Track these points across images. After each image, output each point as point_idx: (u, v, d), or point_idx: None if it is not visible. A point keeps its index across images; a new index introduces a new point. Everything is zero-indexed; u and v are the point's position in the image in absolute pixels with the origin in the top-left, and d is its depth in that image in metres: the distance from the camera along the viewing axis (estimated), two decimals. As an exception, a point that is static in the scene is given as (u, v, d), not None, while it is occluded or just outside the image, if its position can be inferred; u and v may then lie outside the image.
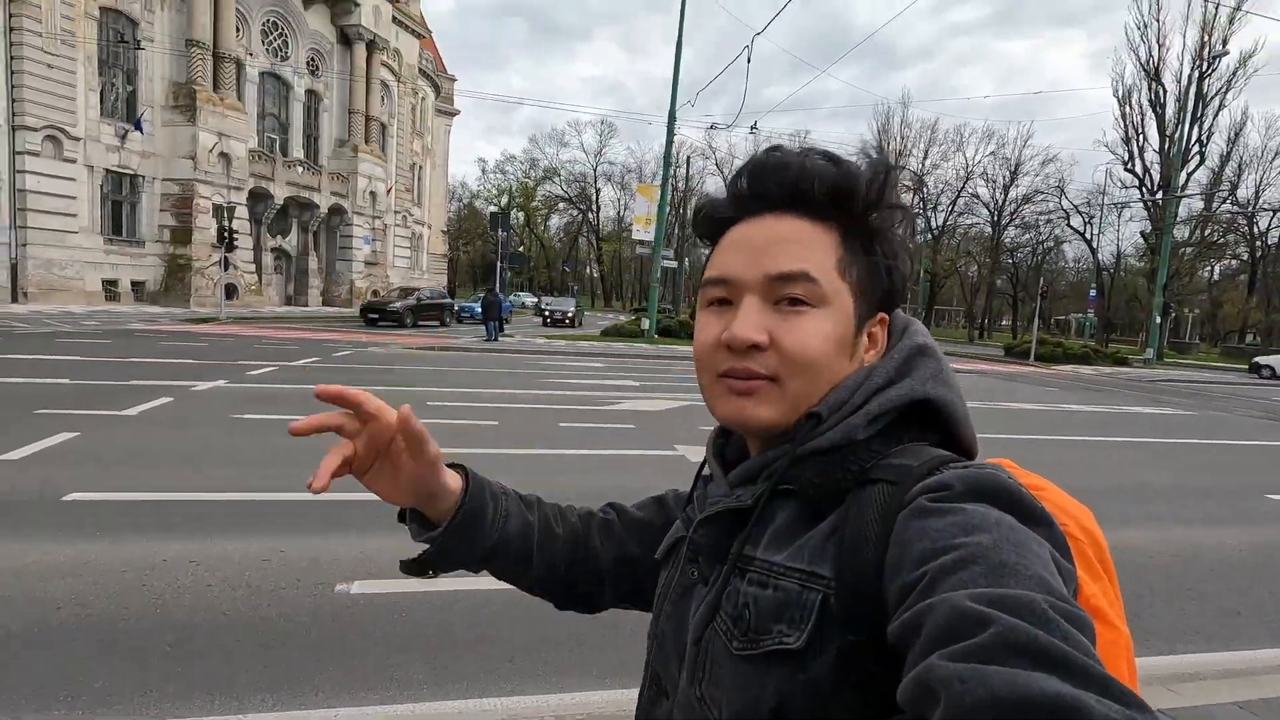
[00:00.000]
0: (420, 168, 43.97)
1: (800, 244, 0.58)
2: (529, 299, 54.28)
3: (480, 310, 22.66)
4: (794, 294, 0.57)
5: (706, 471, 0.72)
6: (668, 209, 26.36)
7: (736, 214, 0.62)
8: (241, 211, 26.69)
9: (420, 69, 41.08)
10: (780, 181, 0.59)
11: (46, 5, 21.23)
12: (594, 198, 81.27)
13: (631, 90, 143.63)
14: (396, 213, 38.27)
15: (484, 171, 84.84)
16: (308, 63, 31.47)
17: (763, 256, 0.58)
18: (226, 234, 21.70)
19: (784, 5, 16.46)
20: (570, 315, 30.18)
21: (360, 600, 3.46)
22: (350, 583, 3.61)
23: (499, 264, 25.89)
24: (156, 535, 4.09)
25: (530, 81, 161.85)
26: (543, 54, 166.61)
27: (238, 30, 27.10)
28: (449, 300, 29.16)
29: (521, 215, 78.72)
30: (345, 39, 32.74)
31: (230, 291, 24.91)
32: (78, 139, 22.59)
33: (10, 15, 20.71)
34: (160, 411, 7.55)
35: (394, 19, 35.31)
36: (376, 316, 23.68)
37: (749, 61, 17.19)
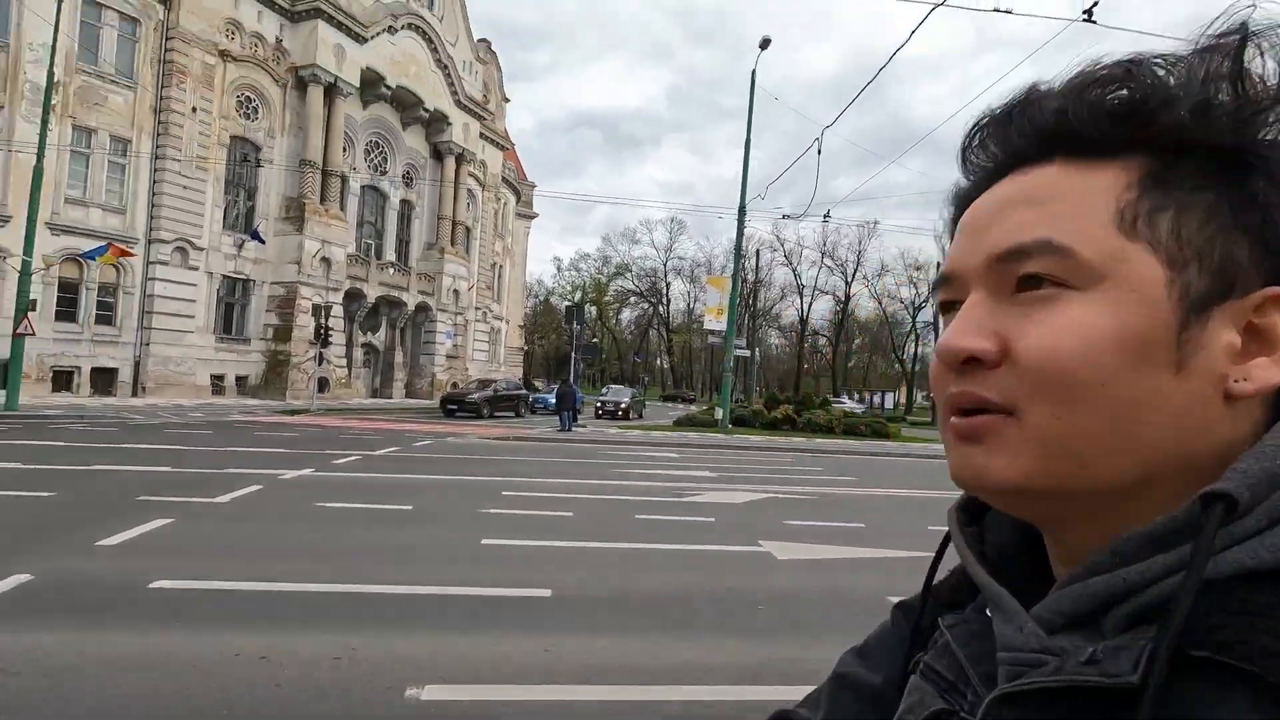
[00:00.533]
0: (500, 267, 46.38)
1: (1041, 202, 0.36)
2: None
3: (554, 401, 22.96)
4: (1032, 271, 0.35)
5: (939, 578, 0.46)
6: (738, 299, 26.50)
7: (975, 186, 0.41)
8: (337, 310, 28.62)
9: (503, 177, 44.16)
10: (1028, 122, 0.38)
11: (187, 135, 24.23)
12: (664, 291, 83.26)
13: (700, 190, 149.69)
14: (477, 309, 40.15)
15: (559, 269, 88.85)
16: (403, 175, 34.38)
17: (985, 233, 0.38)
18: (323, 331, 23.19)
19: (854, 98, 16.89)
20: (624, 406, 27.94)
21: (431, 709, 3.22)
22: (421, 687, 3.37)
23: (573, 356, 26.42)
24: (232, 627, 4.01)
25: (604, 185, 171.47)
26: (616, 161, 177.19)
27: (345, 149, 30.05)
28: (524, 392, 29.80)
29: (594, 309, 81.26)
30: (437, 153, 35.72)
31: (322, 384, 26.33)
32: (201, 249, 25.09)
33: (157, 145, 23.72)
34: (250, 499, 7.74)
35: (481, 134, 38.41)
36: (455, 408, 24.34)
37: (819, 153, 17.52)
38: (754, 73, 22.74)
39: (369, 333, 32.68)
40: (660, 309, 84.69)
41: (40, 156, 16.59)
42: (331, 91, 28.53)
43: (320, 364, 24.58)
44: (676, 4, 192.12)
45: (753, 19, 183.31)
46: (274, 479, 9.05)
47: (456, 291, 35.92)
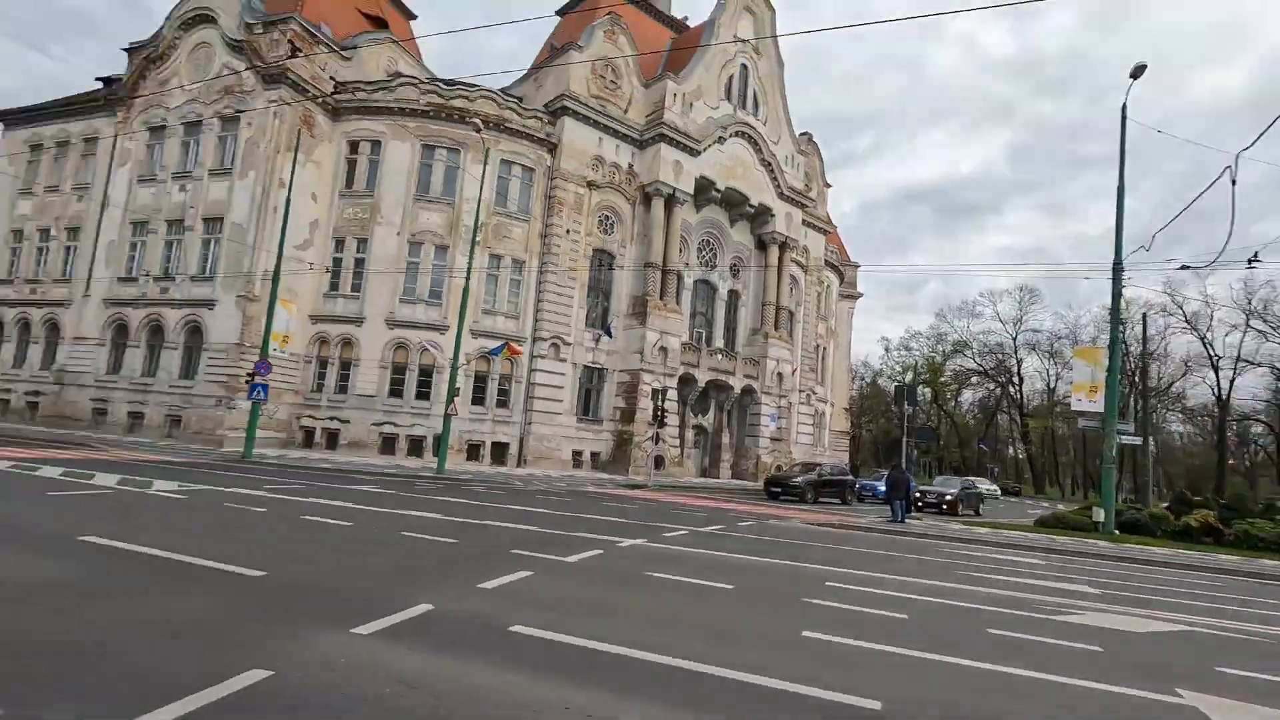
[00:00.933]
0: (824, 349, 45.92)
1: None
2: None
3: (885, 489, 21.24)
4: None
5: None
6: (1119, 375, 21.66)
7: None
8: (672, 394, 31.26)
9: (825, 260, 44.33)
10: None
11: (562, 252, 29.74)
12: (1014, 369, 72.83)
13: (1055, 253, 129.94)
14: (801, 391, 40.05)
15: (887, 350, 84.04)
16: (730, 267, 36.89)
17: None
18: (660, 413, 25.45)
19: (1275, 119, 12.87)
20: (948, 499, 24.55)
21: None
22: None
23: (904, 439, 24.34)
24: (567, 680, 4.30)
25: (935, 258, 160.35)
26: (949, 232, 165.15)
27: (680, 249, 33.58)
28: (850, 477, 28.30)
29: (928, 391, 74.60)
30: (761, 244, 37.64)
31: (659, 462, 28.66)
32: (569, 344, 30.01)
33: (542, 263, 29.55)
34: (592, 562, 8.53)
35: (803, 221, 39.43)
36: (779, 490, 24.15)
37: (1234, 183, 13.71)
38: (1124, 106, 19.29)
39: (699, 414, 34.87)
40: (1010, 389, 74.07)
41: (468, 279, 21.93)
42: (670, 201, 32.41)
43: (657, 443, 26.87)
44: (1018, 59, 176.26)
45: (1115, 58, 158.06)
46: (613, 545, 9.87)
47: (780, 375, 36.46)
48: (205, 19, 28.60)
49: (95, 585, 5.60)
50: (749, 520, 15.88)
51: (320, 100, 27.42)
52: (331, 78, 27.48)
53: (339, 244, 28.01)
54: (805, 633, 5.91)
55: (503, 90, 31.46)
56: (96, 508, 9.54)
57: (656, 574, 8.01)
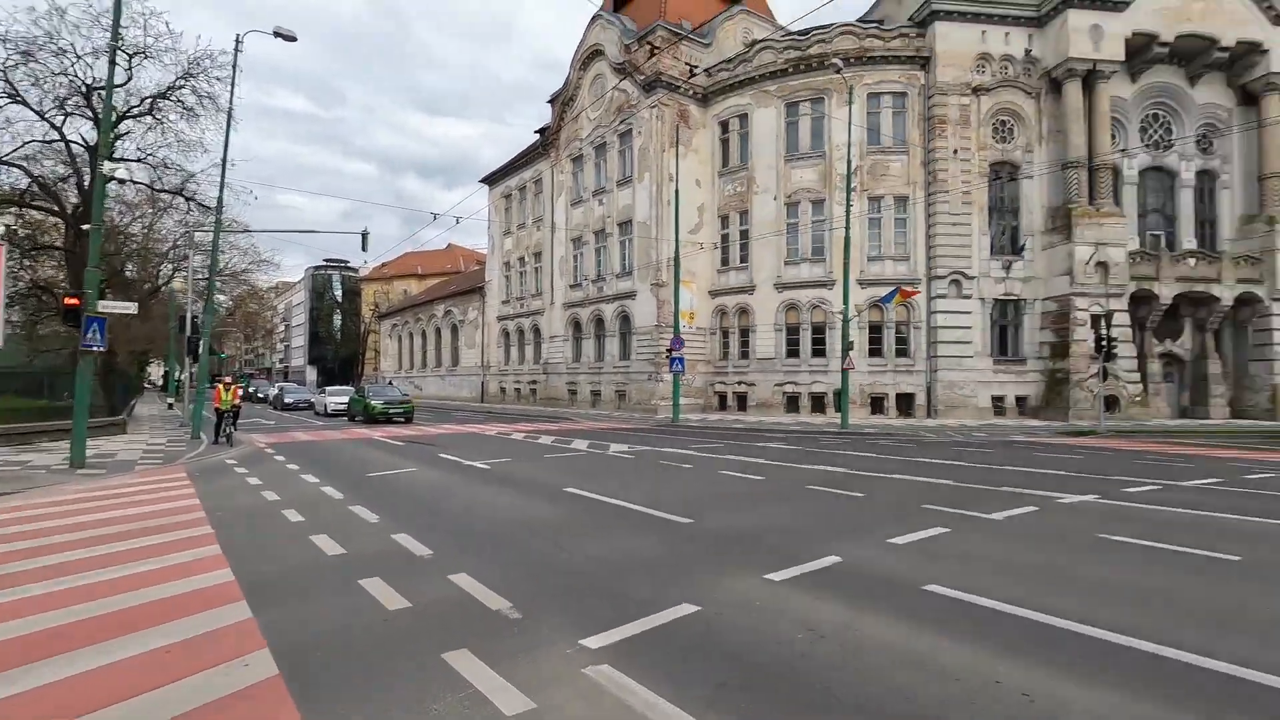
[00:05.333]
0: (1387, 222, 31.21)
1: None
2: None
3: None
4: None
5: None
6: None
7: None
8: (1121, 318, 25.16)
9: (1377, 92, 29.89)
10: None
11: (951, 176, 26.47)
12: None
13: None
14: (1346, 290, 28.05)
15: None
16: (1197, 142, 27.78)
17: None
18: (1105, 343, 20.76)
19: None
20: None
21: None
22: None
23: None
24: (997, 650, 3.78)
25: None
26: None
27: (1113, 137, 26.63)
28: None
29: None
30: (1249, 97, 27.37)
31: (1110, 403, 23.45)
32: (973, 278, 26.63)
33: (929, 194, 26.82)
34: (1025, 519, 7.41)
35: (1324, 46, 27.25)
36: (1316, 430, 17.44)
37: None
38: None
39: (1167, 340, 27.33)
40: None
41: (847, 229, 21.23)
42: (1091, 79, 25.89)
43: (1105, 379, 21.99)
44: None
45: None
46: (1051, 501, 8.43)
47: (1302, 271, 26.10)
48: (596, 54, 33.62)
49: (573, 523, 7.11)
50: (1266, 472, 11.82)
51: (690, 92, 29.70)
52: (690, 68, 29.47)
53: (724, 221, 30.07)
54: (1382, 630, 4.09)
55: (861, 19, 29.37)
56: (574, 466, 12.16)
57: (1116, 537, 6.54)
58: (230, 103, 18.71)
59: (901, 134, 27.17)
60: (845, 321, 21.22)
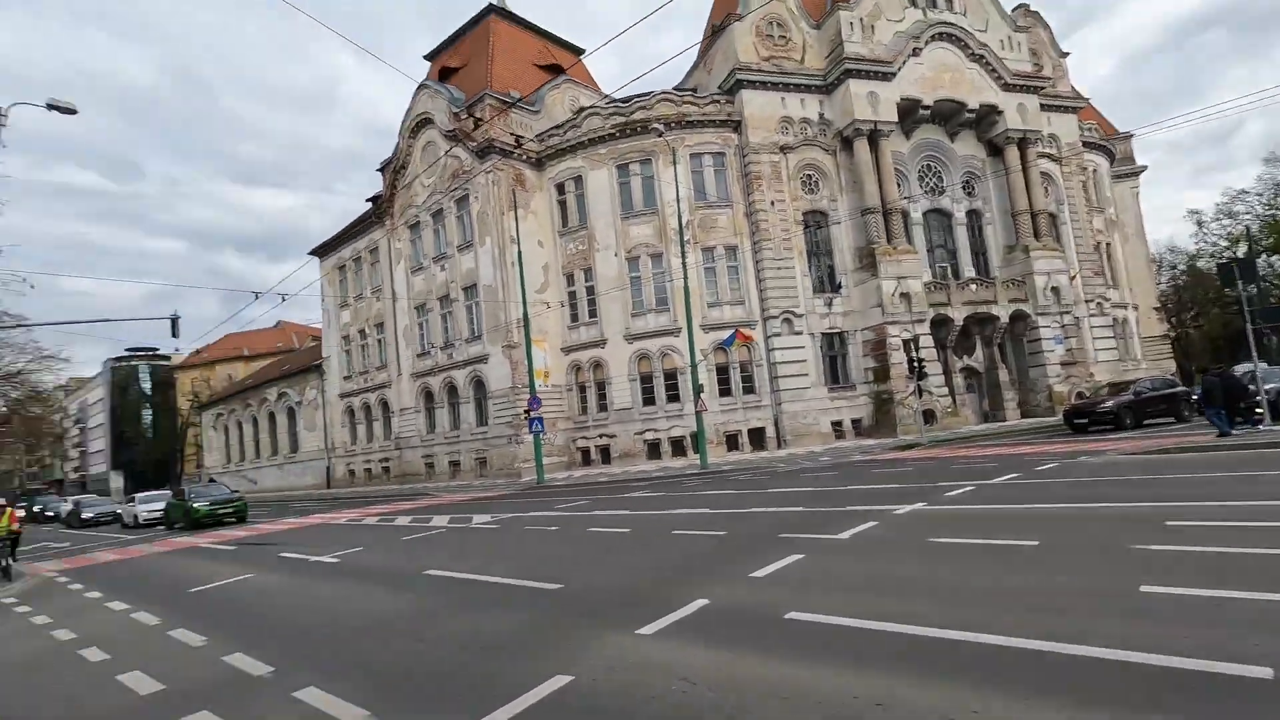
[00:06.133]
0: (1108, 244, 38.44)
1: None
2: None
3: (1201, 399, 16.86)
4: None
5: None
6: None
7: None
8: (926, 341, 28.57)
9: (1083, 141, 37.14)
10: None
11: (771, 226, 29.01)
12: None
13: None
14: (1088, 301, 33.96)
15: (1201, 225, 67.34)
16: (963, 187, 32.73)
17: None
18: (917, 364, 23.40)
19: None
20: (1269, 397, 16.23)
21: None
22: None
23: (1247, 328, 19.06)
24: (853, 666, 4.04)
25: (1246, 89, 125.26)
26: (1257, 53, 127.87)
27: (899, 185, 30.67)
28: (1180, 388, 23.16)
29: (1276, 260, 58.31)
30: (995, 149, 32.82)
31: (928, 416, 26.34)
32: (800, 315, 29.09)
33: (754, 242, 29.14)
34: (868, 534, 8.04)
35: (1042, 107, 33.54)
36: (1085, 421, 20.68)
37: None
38: None
39: (964, 356, 31.38)
40: None
41: (686, 278, 22.47)
42: (875, 137, 29.82)
43: (920, 396, 24.72)
44: None
45: None
46: (887, 515, 9.23)
47: (1055, 289, 31.31)
48: (425, 122, 33.43)
49: (434, 609, 6.69)
50: (1050, 462, 13.78)
51: (523, 157, 30.33)
52: (518, 138, 30.19)
53: (569, 278, 30.60)
54: (1144, 588, 4.88)
55: (676, 88, 31.81)
56: (434, 545, 11.49)
57: (942, 539, 7.28)
58: (-8, 182, 16.32)
59: (724, 190, 29.45)
60: (694, 366, 22.22)
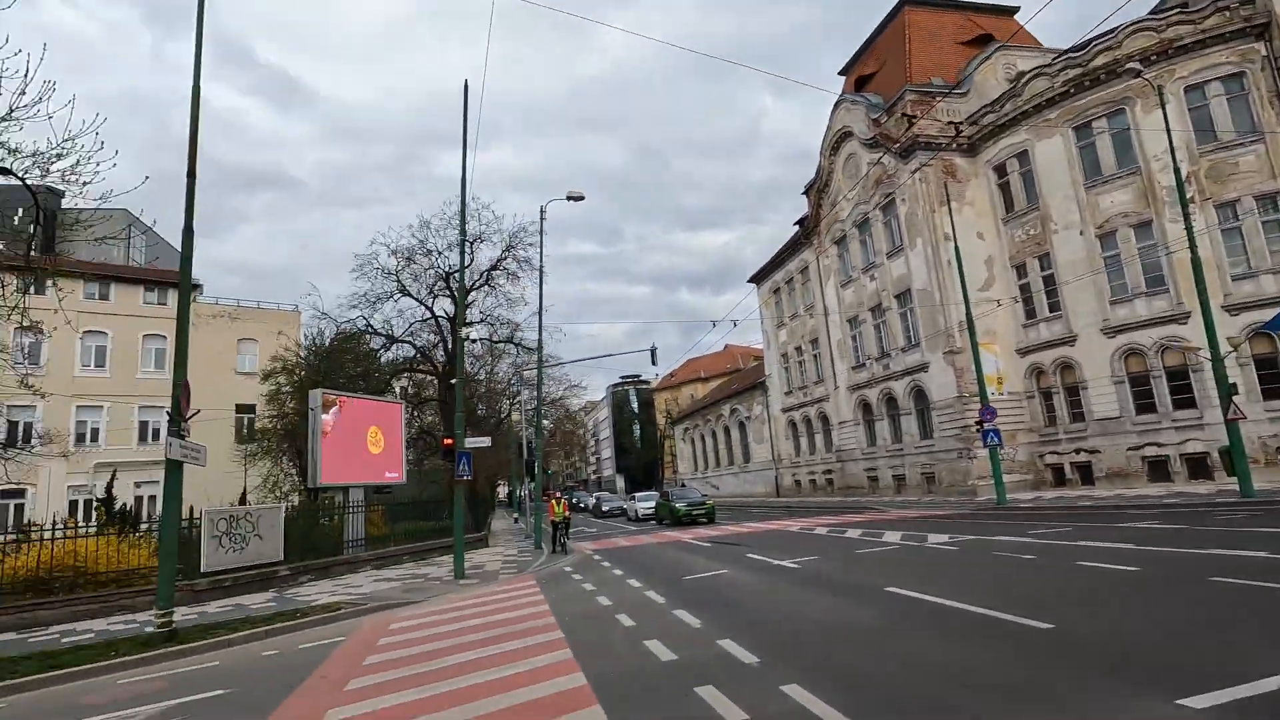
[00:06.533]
0: None
1: None
2: None
3: None
4: None
5: None
6: None
7: None
8: None
9: None
10: None
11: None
12: None
13: None
14: None
15: None
16: None
17: None
18: None
19: None
20: None
21: None
22: None
23: None
24: None
25: None
26: None
27: None
28: None
29: None
30: None
31: None
32: None
33: None
34: None
35: None
36: None
37: None
38: None
39: None
40: None
41: (1193, 247, 17.31)
42: None
43: None
44: None
45: None
46: None
47: None
48: (845, 136, 33.74)
49: (904, 629, 6.46)
50: None
51: (952, 146, 27.89)
52: (951, 123, 27.73)
53: (1019, 270, 26.76)
54: None
55: (1153, 11, 25.17)
56: (890, 562, 11.21)
57: None
58: (540, 261, 22.65)
59: (1249, 119, 21.97)
60: (1217, 360, 16.90)
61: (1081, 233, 24.42)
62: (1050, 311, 25.52)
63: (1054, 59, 26.05)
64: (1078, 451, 24.41)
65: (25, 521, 19.82)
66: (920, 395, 29.44)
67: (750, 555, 13.68)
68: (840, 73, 40.06)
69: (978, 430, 21.92)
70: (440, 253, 25.75)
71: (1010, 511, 18.66)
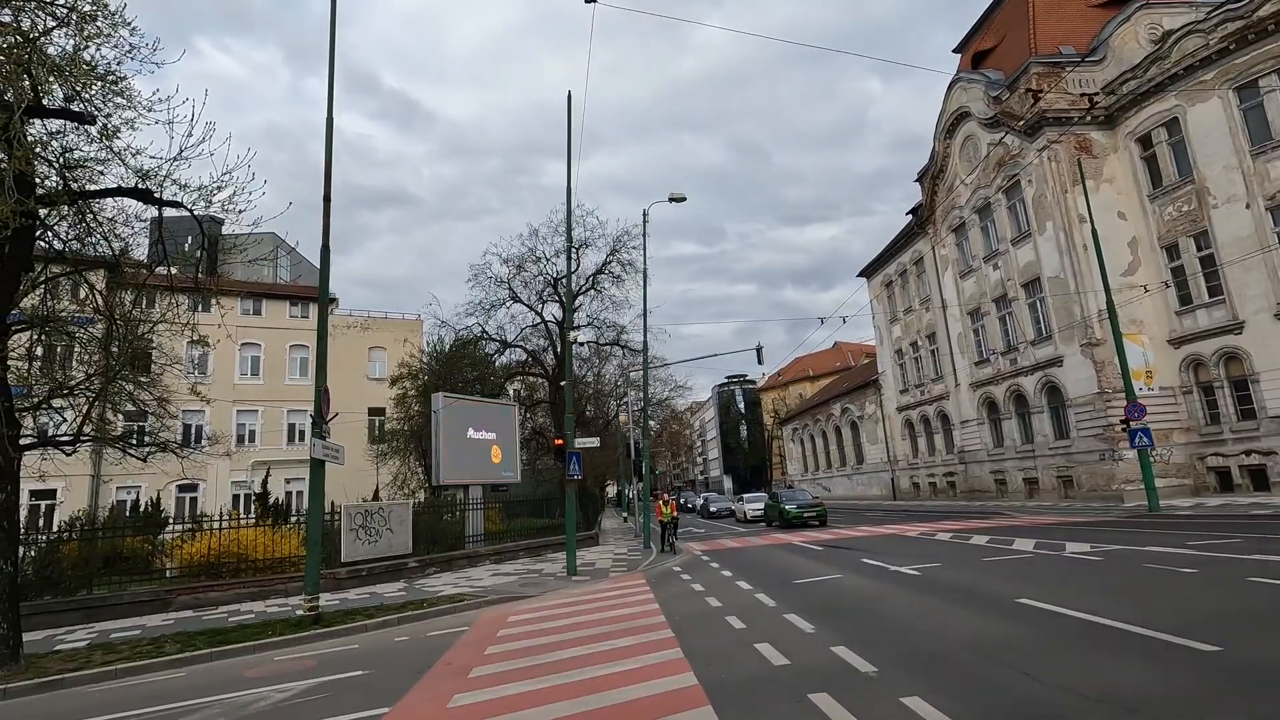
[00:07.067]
0: None
1: None
2: None
3: None
4: None
5: None
6: None
7: None
8: None
9: None
10: None
11: None
12: None
13: None
14: None
15: None
16: None
17: None
18: None
19: None
20: None
21: None
22: None
23: None
24: None
25: None
26: None
27: None
28: None
29: None
30: None
31: None
32: None
33: None
34: None
35: None
36: None
37: None
38: None
39: None
40: None
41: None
42: None
43: None
44: None
45: None
46: None
47: None
48: (962, 117, 31.74)
49: (1039, 644, 5.97)
50: None
51: (1086, 119, 25.52)
52: (1084, 94, 25.33)
53: (1169, 251, 24.07)
54: None
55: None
56: (1022, 571, 10.41)
57: None
58: (644, 263, 22.92)
59: None
60: None
61: (1247, 206, 21.61)
62: (1210, 296, 22.78)
63: (1209, 13, 23.23)
64: (1248, 453, 21.61)
65: (199, 513, 22.43)
66: (1054, 392, 27.15)
67: (865, 560, 13.15)
68: (955, 50, 37.70)
69: (1123, 429, 19.91)
70: (548, 259, 26.73)
71: (1164, 519, 16.81)
